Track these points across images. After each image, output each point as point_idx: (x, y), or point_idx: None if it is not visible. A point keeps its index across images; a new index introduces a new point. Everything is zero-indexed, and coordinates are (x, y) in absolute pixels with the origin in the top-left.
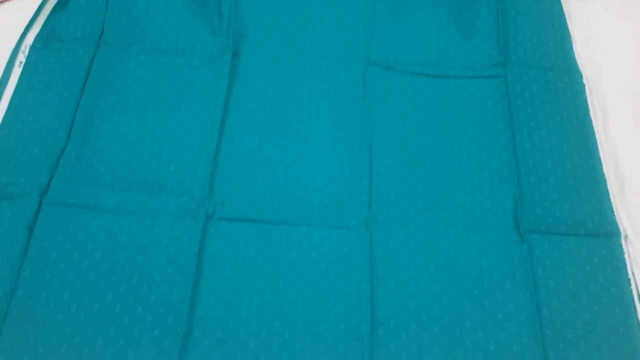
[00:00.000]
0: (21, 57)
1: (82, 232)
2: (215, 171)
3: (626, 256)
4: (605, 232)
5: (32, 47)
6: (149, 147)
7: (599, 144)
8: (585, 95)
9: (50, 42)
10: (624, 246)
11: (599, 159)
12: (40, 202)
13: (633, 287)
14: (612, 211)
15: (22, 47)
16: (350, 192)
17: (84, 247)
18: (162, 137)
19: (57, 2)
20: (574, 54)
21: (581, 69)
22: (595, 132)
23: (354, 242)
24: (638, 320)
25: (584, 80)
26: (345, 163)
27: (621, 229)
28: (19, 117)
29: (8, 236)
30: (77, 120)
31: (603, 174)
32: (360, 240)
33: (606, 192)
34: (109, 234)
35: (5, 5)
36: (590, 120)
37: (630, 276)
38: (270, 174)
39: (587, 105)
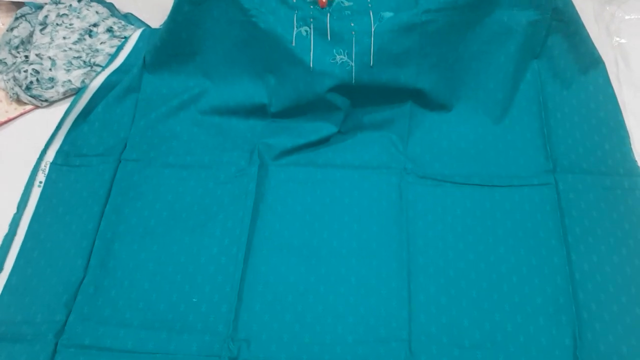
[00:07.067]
0: (41, 177)
1: None
2: (240, 303)
3: None
4: None
5: (53, 164)
6: (171, 277)
7: None
8: None
9: (70, 157)
10: None
11: None
12: (56, 344)
13: None
14: None
15: (42, 165)
16: (388, 327)
17: None
18: (184, 265)
19: (79, 115)
20: (633, 155)
21: None
22: None
23: None
24: None
25: None
26: (381, 291)
27: None
28: (37, 245)
29: None
30: (96, 248)
31: None
32: None
33: None
34: None
35: (26, 116)
36: None
37: None
38: (300, 305)
39: None
